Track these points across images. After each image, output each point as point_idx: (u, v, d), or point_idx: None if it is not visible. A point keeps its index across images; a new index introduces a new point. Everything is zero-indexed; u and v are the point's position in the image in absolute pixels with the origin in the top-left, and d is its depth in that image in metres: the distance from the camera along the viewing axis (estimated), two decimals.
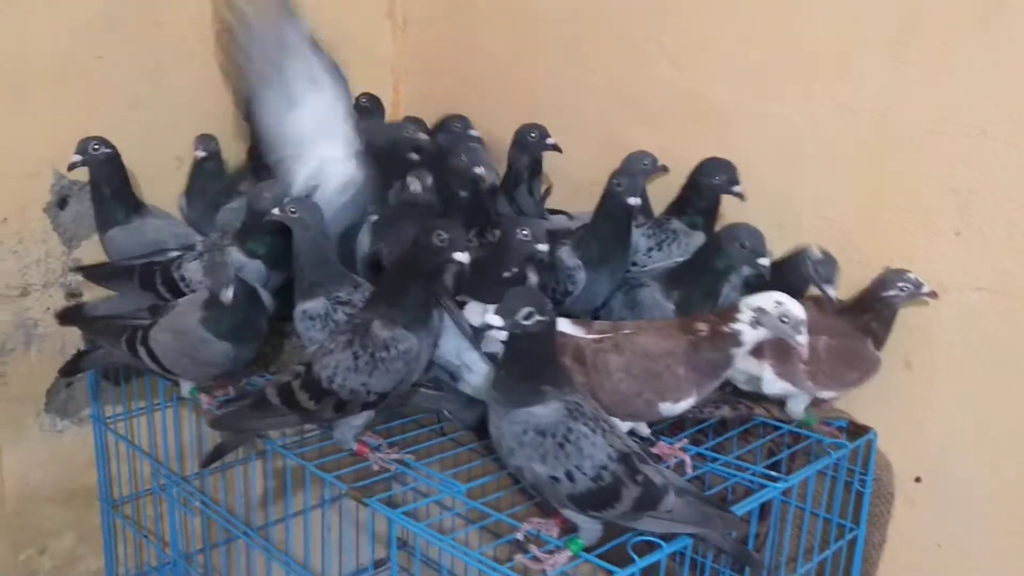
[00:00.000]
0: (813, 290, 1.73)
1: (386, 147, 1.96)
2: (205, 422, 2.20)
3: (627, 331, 1.57)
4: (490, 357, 1.62)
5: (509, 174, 2.12)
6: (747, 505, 1.51)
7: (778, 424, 1.77)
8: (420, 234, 1.56)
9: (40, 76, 2.08)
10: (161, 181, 2.26)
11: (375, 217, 1.95)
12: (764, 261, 1.68)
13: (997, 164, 1.64)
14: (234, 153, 2.22)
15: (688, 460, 1.62)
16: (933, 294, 1.69)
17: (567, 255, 1.79)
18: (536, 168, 2.12)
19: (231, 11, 1.85)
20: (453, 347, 1.67)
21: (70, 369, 2.04)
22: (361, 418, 1.62)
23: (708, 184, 1.92)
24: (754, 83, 1.96)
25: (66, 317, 2.06)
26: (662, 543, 1.37)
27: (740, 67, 1.98)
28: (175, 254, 2.01)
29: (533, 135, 2.09)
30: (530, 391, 1.35)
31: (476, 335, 1.65)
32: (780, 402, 1.77)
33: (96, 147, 2.00)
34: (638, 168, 2.00)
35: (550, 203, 2.20)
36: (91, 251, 2.19)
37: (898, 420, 1.78)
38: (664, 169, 2.02)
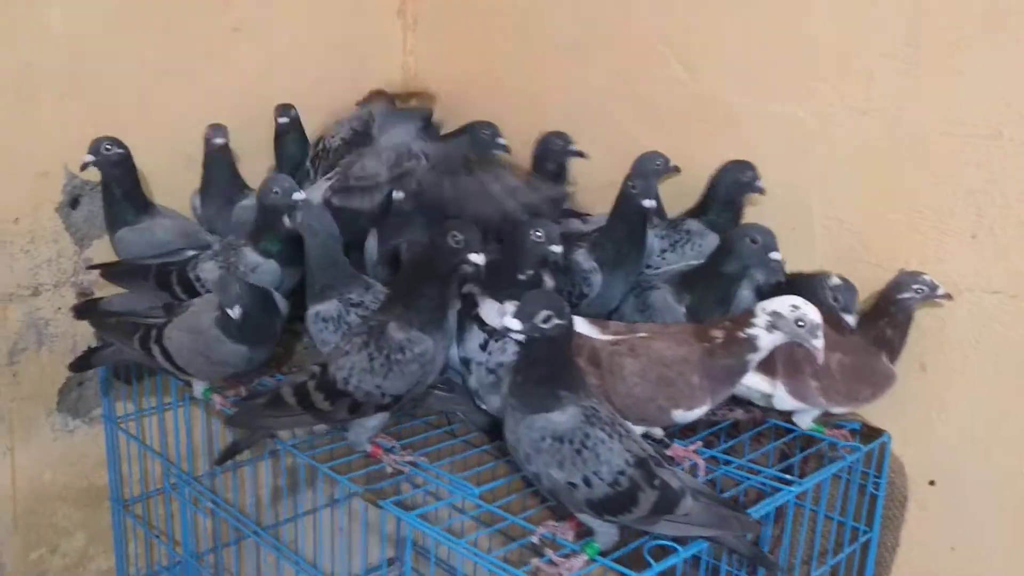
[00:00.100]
0: None
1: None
2: (219, 421, 2.22)
3: (643, 335, 1.57)
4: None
5: None
6: (762, 508, 1.51)
7: (791, 427, 1.77)
8: (435, 235, 1.55)
9: (51, 76, 2.08)
10: (171, 180, 2.26)
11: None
12: (776, 256, 1.68)
13: (1013, 166, 1.63)
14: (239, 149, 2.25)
15: (702, 463, 1.62)
16: (948, 296, 1.68)
17: (583, 258, 1.79)
18: (559, 173, 2.12)
19: None
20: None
21: (80, 365, 2.04)
22: (375, 420, 1.62)
23: (735, 182, 1.91)
24: (764, 84, 1.95)
25: (82, 312, 2.08)
26: (678, 547, 1.37)
27: (750, 68, 1.97)
28: (191, 254, 2.01)
29: (558, 142, 2.10)
30: (547, 395, 1.34)
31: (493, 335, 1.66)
32: None
33: (108, 147, 2.01)
34: (650, 169, 2.00)
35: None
36: (102, 251, 2.19)
37: (912, 423, 1.78)
38: (676, 169, 2.02)
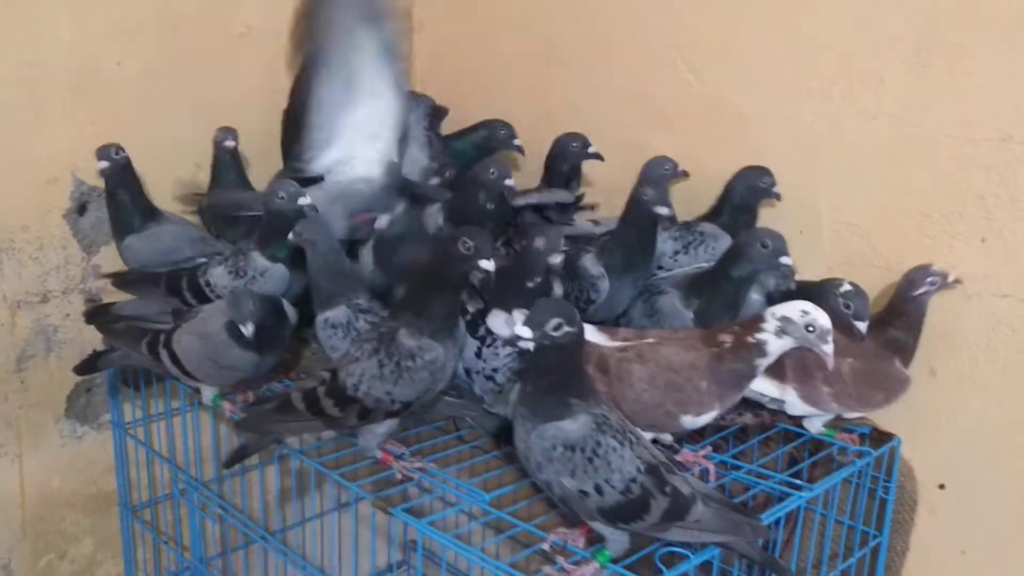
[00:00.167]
0: None
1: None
2: (227, 426, 2.22)
3: (651, 340, 1.56)
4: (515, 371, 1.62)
5: (544, 182, 2.13)
6: (773, 514, 1.51)
7: (800, 431, 1.76)
8: (446, 242, 1.55)
9: (59, 83, 2.08)
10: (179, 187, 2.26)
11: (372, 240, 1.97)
12: (786, 260, 1.67)
13: (1022, 170, 1.63)
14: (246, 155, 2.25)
15: (712, 468, 1.62)
16: (959, 281, 1.68)
17: (591, 263, 1.78)
18: (573, 176, 2.12)
19: None
20: None
21: (85, 368, 2.05)
22: (385, 426, 1.62)
23: (752, 187, 1.91)
24: (773, 87, 1.95)
25: (93, 315, 2.08)
26: (690, 554, 1.37)
27: (758, 71, 1.97)
28: (202, 260, 2.02)
29: (575, 144, 2.09)
30: (557, 404, 1.34)
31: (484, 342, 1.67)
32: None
33: (117, 152, 2.02)
34: (659, 173, 1.99)
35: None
36: (110, 257, 2.20)
37: (922, 427, 1.77)
38: (684, 174, 2.01)
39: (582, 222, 2.08)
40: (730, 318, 1.71)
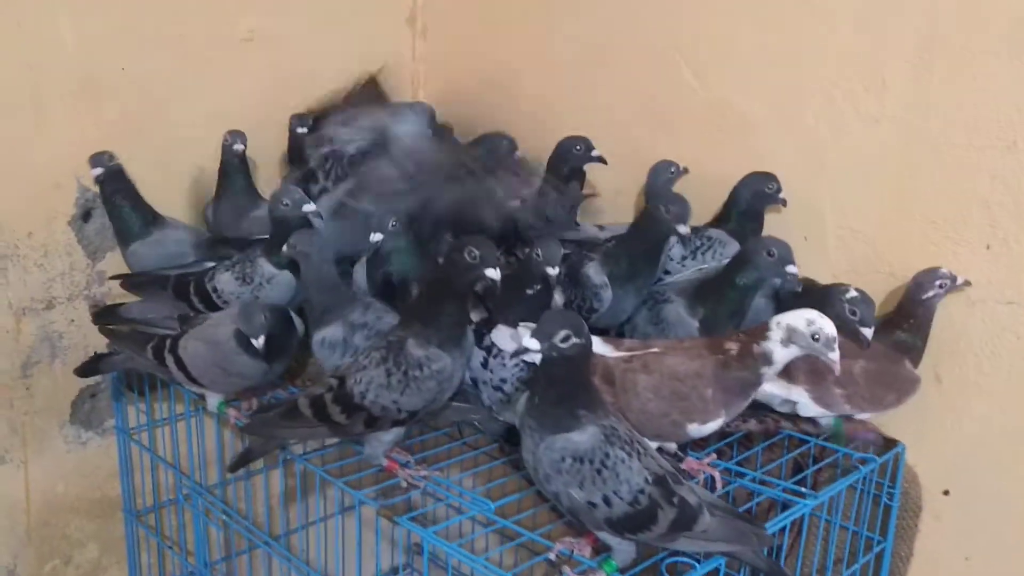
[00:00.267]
0: None
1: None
2: (232, 431, 2.23)
3: (656, 350, 1.56)
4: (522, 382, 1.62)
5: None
6: (778, 522, 1.51)
7: (804, 437, 1.77)
8: (452, 251, 1.56)
9: (64, 88, 2.08)
10: (183, 192, 2.27)
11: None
12: (792, 269, 1.67)
13: None
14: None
15: (718, 476, 1.62)
16: (968, 283, 1.69)
17: (595, 272, 1.78)
18: (575, 179, 2.11)
19: None
20: None
21: (87, 370, 2.06)
22: (391, 434, 1.63)
23: (758, 193, 1.91)
24: (776, 92, 1.95)
25: (101, 316, 2.09)
26: (696, 563, 1.37)
27: (762, 76, 1.97)
28: (210, 265, 2.03)
29: (578, 148, 2.08)
30: (565, 415, 1.34)
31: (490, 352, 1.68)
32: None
33: (110, 159, 2.04)
34: (665, 178, 2.00)
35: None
36: (115, 264, 2.19)
37: (927, 433, 1.78)
38: (685, 171, 2.02)
39: (587, 227, 2.08)
40: (735, 325, 1.71)
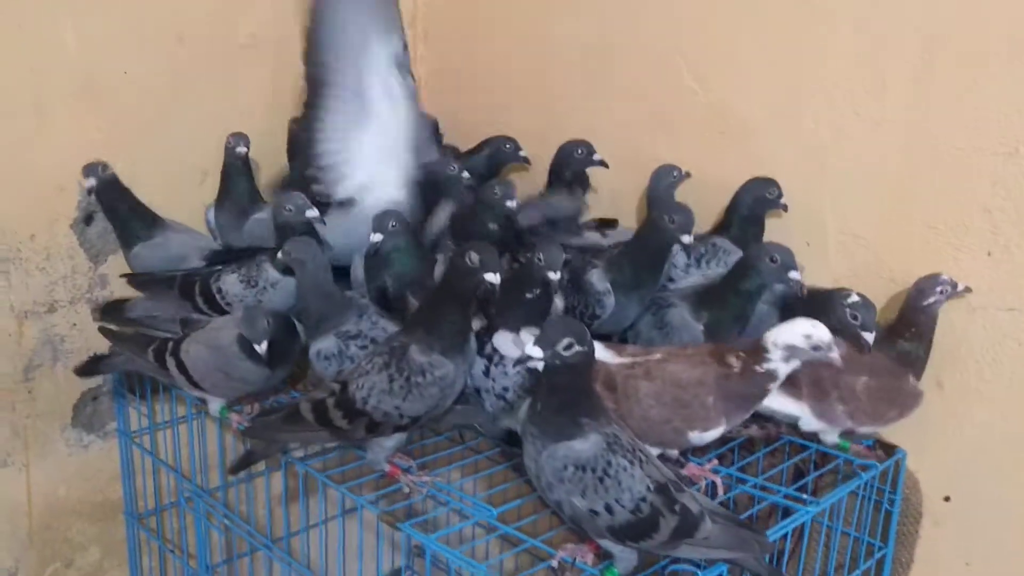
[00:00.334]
0: None
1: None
2: (233, 434, 2.23)
3: (658, 357, 1.56)
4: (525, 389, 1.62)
5: (547, 192, 2.13)
6: (780, 529, 1.51)
7: (805, 443, 1.77)
8: (454, 256, 1.56)
9: (66, 92, 2.09)
10: (185, 196, 2.27)
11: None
12: (795, 275, 1.68)
13: None
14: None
15: (719, 482, 1.62)
16: (969, 289, 1.68)
17: (598, 279, 1.77)
18: (577, 183, 2.12)
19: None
20: None
21: (87, 370, 2.07)
22: (393, 440, 1.63)
23: (759, 198, 1.91)
24: (777, 96, 1.95)
25: (106, 312, 2.11)
26: (697, 570, 1.38)
27: (763, 80, 1.97)
28: (217, 267, 2.04)
29: (580, 151, 2.09)
30: (567, 423, 1.34)
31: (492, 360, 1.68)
32: None
33: (104, 169, 2.05)
34: (667, 182, 2.00)
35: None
36: (117, 267, 2.20)
37: (928, 440, 1.77)
38: (687, 175, 2.02)
39: (590, 233, 2.08)
40: (740, 330, 1.72)
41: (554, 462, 1.33)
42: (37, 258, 2.12)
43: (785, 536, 1.68)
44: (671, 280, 1.90)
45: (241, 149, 2.16)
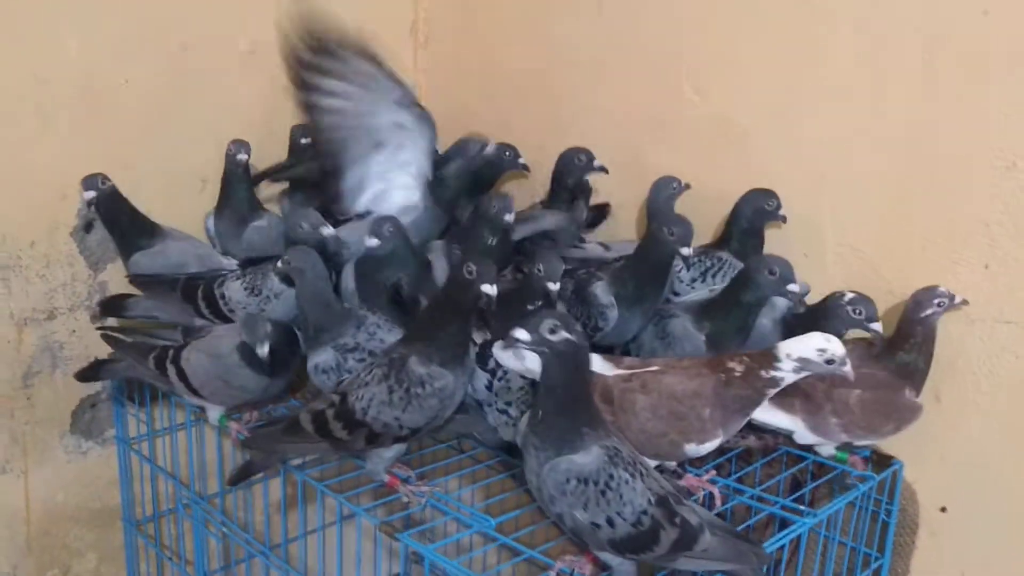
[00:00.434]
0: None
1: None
2: (232, 442, 2.23)
3: (655, 369, 1.56)
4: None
5: (549, 199, 2.14)
6: (777, 540, 1.52)
7: (803, 454, 1.77)
8: (452, 268, 1.57)
9: (67, 100, 2.09)
10: (185, 204, 2.28)
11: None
12: (794, 288, 1.68)
13: None
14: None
15: (718, 493, 1.63)
16: (966, 302, 1.69)
17: (602, 292, 1.78)
18: (578, 192, 2.13)
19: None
20: None
21: (87, 375, 2.06)
22: (392, 451, 1.64)
23: (758, 210, 1.91)
24: (777, 108, 1.95)
25: (107, 306, 2.11)
26: None
27: (764, 91, 1.98)
28: (222, 272, 2.05)
29: (581, 158, 2.10)
30: (569, 430, 1.34)
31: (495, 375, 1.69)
32: None
33: (104, 181, 2.05)
34: (667, 194, 2.01)
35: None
36: (116, 274, 2.21)
37: (925, 451, 1.78)
38: (687, 186, 2.03)
39: (592, 245, 2.08)
40: (741, 341, 1.73)
41: (556, 475, 1.33)
42: (37, 265, 2.12)
43: (782, 547, 1.68)
44: (676, 294, 1.91)
45: (242, 156, 2.16)
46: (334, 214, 2.05)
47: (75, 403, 2.26)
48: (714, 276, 1.90)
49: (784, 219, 1.91)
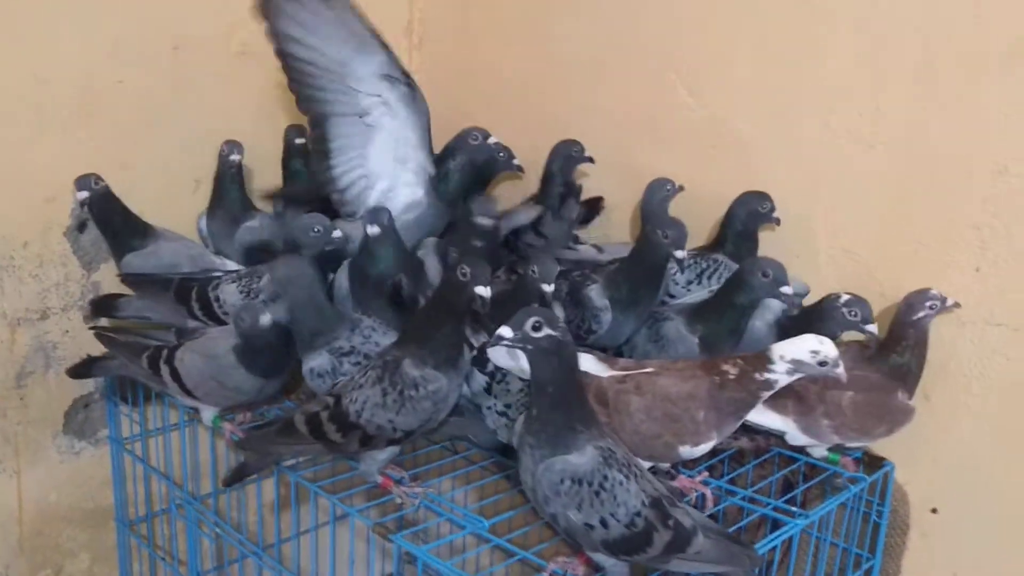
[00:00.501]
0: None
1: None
2: (225, 443, 2.23)
3: (649, 370, 1.57)
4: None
5: (540, 194, 2.15)
6: (769, 542, 1.53)
7: (795, 455, 1.78)
8: (446, 270, 1.57)
9: (61, 100, 2.09)
10: (179, 204, 2.28)
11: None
12: (787, 290, 1.69)
13: (1017, 201, 1.65)
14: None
15: (710, 495, 1.63)
16: (958, 304, 1.70)
17: (596, 294, 1.79)
18: (569, 191, 2.13)
19: (302, 46, 1.90)
20: None
21: (79, 371, 2.06)
22: (386, 452, 1.64)
23: (752, 213, 1.92)
24: (772, 112, 1.97)
25: (99, 305, 2.10)
26: None
27: (758, 96, 1.99)
28: (217, 274, 2.04)
29: (575, 151, 2.11)
30: (563, 428, 1.34)
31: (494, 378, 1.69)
32: None
33: (97, 182, 2.04)
34: (661, 196, 2.01)
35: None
36: (109, 274, 2.20)
37: (916, 452, 1.79)
38: (681, 188, 2.04)
39: (585, 247, 2.09)
40: (734, 343, 1.73)
41: (551, 475, 1.34)
42: (30, 265, 2.12)
43: (774, 548, 1.69)
44: (671, 296, 1.91)
45: (235, 157, 2.16)
46: (342, 206, 2.05)
47: (68, 403, 2.25)
48: (709, 278, 1.91)
49: (778, 221, 1.92)
